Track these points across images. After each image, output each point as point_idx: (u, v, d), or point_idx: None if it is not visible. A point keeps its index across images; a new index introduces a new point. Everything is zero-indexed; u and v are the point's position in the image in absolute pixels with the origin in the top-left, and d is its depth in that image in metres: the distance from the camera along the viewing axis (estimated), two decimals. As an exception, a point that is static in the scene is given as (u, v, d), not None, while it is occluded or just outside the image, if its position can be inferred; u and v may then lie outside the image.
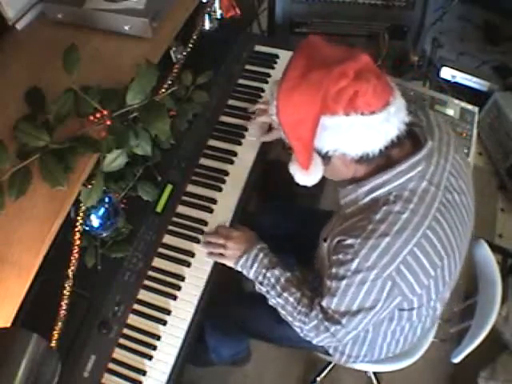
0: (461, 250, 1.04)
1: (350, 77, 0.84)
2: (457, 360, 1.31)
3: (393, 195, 0.95)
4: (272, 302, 1.16)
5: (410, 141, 0.99)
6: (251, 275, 1.18)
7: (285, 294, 1.13)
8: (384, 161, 0.95)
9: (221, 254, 1.21)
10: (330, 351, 1.28)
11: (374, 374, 1.75)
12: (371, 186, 0.97)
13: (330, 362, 1.74)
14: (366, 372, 1.75)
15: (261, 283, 1.17)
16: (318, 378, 1.76)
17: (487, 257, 1.33)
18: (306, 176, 1.01)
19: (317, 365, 1.80)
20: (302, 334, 1.13)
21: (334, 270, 1.00)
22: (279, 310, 1.15)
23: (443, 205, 0.97)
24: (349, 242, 0.95)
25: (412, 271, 0.94)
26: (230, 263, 1.21)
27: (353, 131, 0.88)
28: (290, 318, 1.13)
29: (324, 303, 1.04)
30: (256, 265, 1.17)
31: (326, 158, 0.96)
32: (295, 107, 0.88)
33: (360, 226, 0.95)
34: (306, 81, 0.86)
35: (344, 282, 0.97)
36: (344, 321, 1.01)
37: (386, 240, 0.92)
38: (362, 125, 0.87)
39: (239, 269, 1.19)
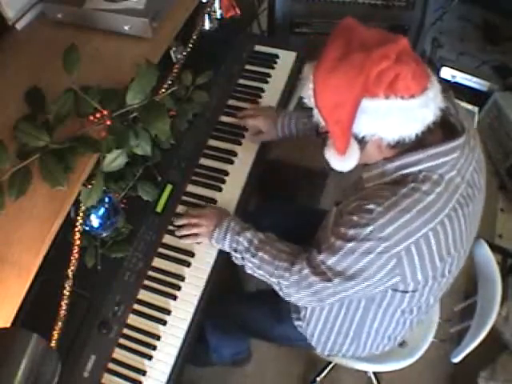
0: (466, 248, 1.04)
1: (392, 59, 0.83)
2: (457, 360, 1.31)
3: (422, 174, 0.93)
4: (248, 266, 1.15)
5: (441, 128, 0.97)
6: (226, 246, 1.18)
7: (259, 254, 1.12)
8: (418, 146, 0.93)
9: (195, 234, 1.22)
10: (313, 341, 1.27)
11: (374, 374, 1.75)
12: (403, 162, 0.95)
13: (330, 362, 1.74)
14: (366, 372, 1.75)
15: (235, 250, 1.16)
16: (318, 378, 1.76)
17: (487, 257, 1.34)
18: (341, 161, 0.98)
19: (317, 365, 1.80)
20: (280, 293, 1.11)
21: (342, 229, 0.97)
22: (257, 272, 1.14)
23: (463, 197, 0.96)
24: (369, 206, 0.93)
25: (420, 255, 0.93)
26: (204, 240, 1.21)
27: (392, 115, 0.87)
28: (267, 277, 1.12)
29: (320, 257, 1.01)
30: (229, 234, 1.17)
31: (362, 142, 0.94)
32: (334, 89, 0.87)
33: (383, 195, 0.93)
34: (346, 63, 0.85)
35: (350, 245, 0.95)
36: (335, 280, 0.99)
37: (407, 216, 0.91)
38: (401, 108, 0.86)
39: (214, 243, 1.20)
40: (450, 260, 0.99)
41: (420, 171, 0.93)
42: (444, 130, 0.98)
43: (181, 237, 1.23)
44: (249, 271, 1.17)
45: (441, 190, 0.92)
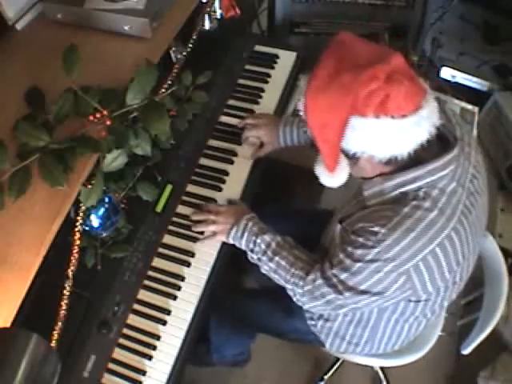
0: (475, 252, 1.04)
1: (381, 80, 0.82)
2: (466, 351, 1.31)
3: (422, 191, 0.93)
4: (264, 268, 1.16)
5: (438, 141, 0.96)
6: (243, 244, 1.18)
7: (276, 258, 1.13)
8: (413, 161, 0.93)
9: (213, 233, 1.22)
10: (330, 337, 1.27)
11: (382, 369, 1.75)
12: (400, 180, 0.95)
13: (336, 360, 1.74)
14: (372, 367, 1.74)
15: (252, 250, 1.17)
16: (326, 377, 1.75)
17: (493, 250, 1.34)
18: (331, 178, 1.00)
19: (317, 365, 1.81)
20: (294, 299, 1.13)
21: (349, 249, 0.98)
22: (272, 275, 1.15)
23: (467, 208, 0.96)
24: (374, 229, 0.93)
25: (429, 270, 0.94)
26: (222, 238, 1.21)
27: (382, 134, 0.86)
28: (282, 282, 1.13)
29: (332, 271, 1.02)
30: (246, 234, 1.17)
31: (353, 158, 0.94)
32: (323, 109, 0.87)
33: (386, 216, 0.94)
34: (335, 83, 0.85)
35: (358, 265, 0.96)
36: (347, 294, 1.00)
37: (412, 235, 0.91)
38: (391, 128, 0.85)
39: (231, 241, 1.20)
40: (459, 269, 0.99)
41: (419, 188, 0.93)
42: (438, 142, 0.97)
43: (201, 240, 1.23)
44: (263, 272, 1.18)
45: (443, 204, 0.92)
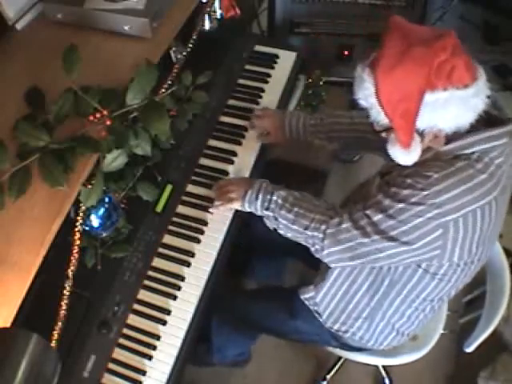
0: (494, 240, 1.07)
1: (449, 52, 0.86)
2: (470, 349, 1.32)
3: (476, 155, 0.96)
4: (283, 224, 1.14)
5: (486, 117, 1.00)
6: (258, 206, 1.18)
7: (295, 209, 1.12)
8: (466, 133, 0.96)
9: (229, 200, 1.22)
10: (325, 314, 1.25)
11: (384, 368, 1.75)
12: (457, 145, 0.97)
13: (338, 359, 1.74)
14: (374, 366, 1.75)
15: (267, 208, 1.16)
16: (328, 376, 1.75)
17: (495, 248, 1.34)
18: (407, 155, 0.99)
19: (317, 365, 1.81)
20: (312, 248, 1.11)
21: (394, 189, 0.98)
22: (291, 228, 1.13)
23: (504, 187, 0.99)
24: (427, 173, 0.95)
25: (465, 230, 0.96)
26: (237, 205, 1.22)
27: (449, 106, 0.89)
28: (301, 230, 1.11)
29: (365, 212, 1.01)
30: (261, 194, 1.17)
31: (421, 135, 0.96)
32: (399, 84, 0.89)
33: (441, 165, 0.96)
34: (408, 56, 0.87)
35: (400, 205, 0.96)
36: (375, 237, 1.00)
37: (463, 188, 0.93)
38: (457, 98, 0.89)
39: (246, 206, 1.20)
40: (482, 248, 1.01)
41: (473, 153, 0.96)
42: (485, 119, 1.00)
43: (215, 207, 1.25)
44: (281, 231, 1.17)
45: (492, 171, 0.96)
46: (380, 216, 0.99)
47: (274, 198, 1.16)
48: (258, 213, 1.20)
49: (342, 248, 1.06)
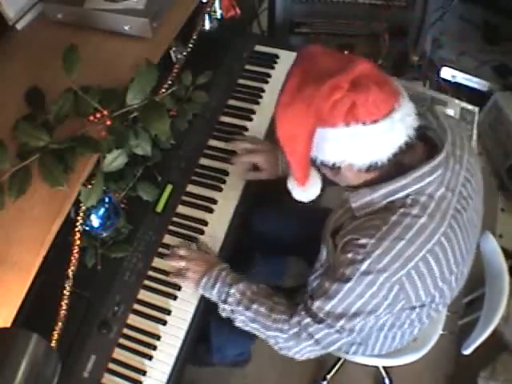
0: (470, 255, 1.03)
1: (345, 88, 0.81)
2: (467, 352, 1.31)
3: (410, 198, 0.92)
4: (240, 319, 1.11)
5: (423, 145, 0.96)
6: (214, 295, 1.13)
7: (254, 306, 1.08)
8: (396, 166, 0.92)
9: (182, 278, 1.17)
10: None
11: (385, 369, 1.75)
12: (388, 190, 0.93)
13: (338, 359, 1.74)
14: (376, 366, 1.74)
15: (224, 301, 1.11)
16: (328, 376, 1.75)
17: (493, 248, 1.34)
18: (303, 192, 1.00)
19: (317, 365, 1.81)
20: (276, 347, 1.08)
21: (341, 270, 0.95)
22: (249, 325, 1.10)
23: (458, 211, 0.95)
24: (362, 241, 0.92)
25: (421, 277, 0.92)
26: (190, 286, 1.16)
27: (355, 141, 0.85)
28: (262, 330, 1.08)
29: (315, 305, 0.99)
30: (218, 284, 1.12)
31: (334, 168, 0.93)
32: (289, 123, 0.87)
33: (374, 226, 0.92)
34: (298, 96, 0.85)
35: (348, 285, 0.93)
36: (338, 324, 0.97)
37: (401, 244, 0.89)
38: (365, 135, 0.84)
39: (201, 291, 1.15)
40: (453, 276, 0.98)
41: (407, 195, 0.92)
42: (426, 145, 0.96)
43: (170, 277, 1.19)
44: (239, 324, 1.12)
45: (432, 210, 0.91)
46: (332, 303, 0.96)
47: (232, 291, 1.10)
48: (213, 300, 1.14)
49: (309, 343, 1.03)
